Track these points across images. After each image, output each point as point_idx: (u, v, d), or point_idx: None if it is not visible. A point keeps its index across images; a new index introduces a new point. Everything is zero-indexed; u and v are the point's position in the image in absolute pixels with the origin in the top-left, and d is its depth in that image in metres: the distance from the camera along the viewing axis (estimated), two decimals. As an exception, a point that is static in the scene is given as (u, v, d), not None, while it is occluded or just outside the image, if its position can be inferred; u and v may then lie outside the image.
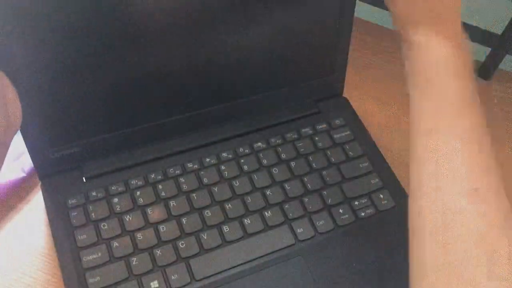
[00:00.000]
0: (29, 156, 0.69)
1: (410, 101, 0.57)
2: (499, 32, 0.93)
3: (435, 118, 0.54)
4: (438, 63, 0.56)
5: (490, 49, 0.96)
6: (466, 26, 0.95)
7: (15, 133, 0.58)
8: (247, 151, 0.76)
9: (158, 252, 0.65)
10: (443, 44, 0.56)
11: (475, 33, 0.97)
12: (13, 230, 0.71)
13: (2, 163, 0.56)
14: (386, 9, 0.99)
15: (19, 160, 0.75)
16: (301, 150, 0.77)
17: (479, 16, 1.00)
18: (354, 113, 0.83)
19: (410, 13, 0.58)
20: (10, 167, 0.74)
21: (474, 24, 0.97)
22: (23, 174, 0.74)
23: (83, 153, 0.71)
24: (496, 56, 0.94)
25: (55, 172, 0.71)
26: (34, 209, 0.73)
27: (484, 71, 0.97)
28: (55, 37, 0.59)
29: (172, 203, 0.69)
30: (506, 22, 0.90)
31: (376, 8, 1.02)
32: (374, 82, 0.94)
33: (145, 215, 0.68)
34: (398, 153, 0.83)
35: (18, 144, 0.72)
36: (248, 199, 0.71)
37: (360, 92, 0.91)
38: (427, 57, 0.56)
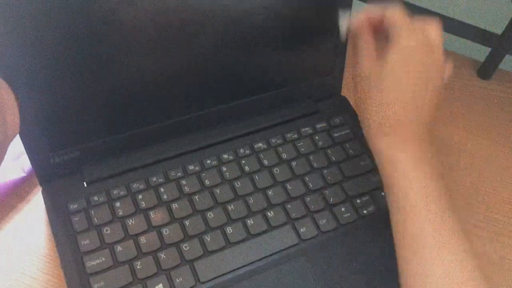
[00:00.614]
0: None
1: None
2: (499, 32, 0.94)
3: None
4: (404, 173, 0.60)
5: (490, 49, 0.97)
6: (466, 26, 0.95)
7: (12, 140, 0.58)
8: (247, 151, 0.76)
9: (162, 255, 0.65)
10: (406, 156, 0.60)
11: (475, 33, 0.98)
12: (13, 230, 0.72)
13: None
14: None
15: (19, 160, 0.75)
16: (302, 149, 0.77)
17: (479, 16, 1.01)
18: (353, 111, 0.84)
19: (378, 121, 0.62)
20: (10, 167, 0.74)
21: (474, 24, 0.97)
22: (23, 174, 0.74)
23: (83, 157, 0.71)
24: (496, 56, 0.95)
25: (56, 177, 0.71)
26: (34, 209, 0.74)
27: (484, 71, 0.98)
28: (54, 42, 0.59)
29: (174, 205, 0.69)
30: (506, 22, 0.90)
31: None
32: None
33: (147, 219, 0.68)
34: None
35: (18, 144, 0.72)
36: (250, 200, 0.71)
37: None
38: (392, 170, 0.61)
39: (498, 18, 0.96)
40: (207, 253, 0.66)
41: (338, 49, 0.79)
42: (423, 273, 0.56)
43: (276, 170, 0.74)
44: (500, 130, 0.90)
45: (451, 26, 0.99)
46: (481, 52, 0.99)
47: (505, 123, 0.91)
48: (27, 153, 0.67)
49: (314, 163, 0.76)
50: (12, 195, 0.74)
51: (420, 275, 0.56)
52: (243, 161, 0.75)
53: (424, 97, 0.61)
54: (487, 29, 0.96)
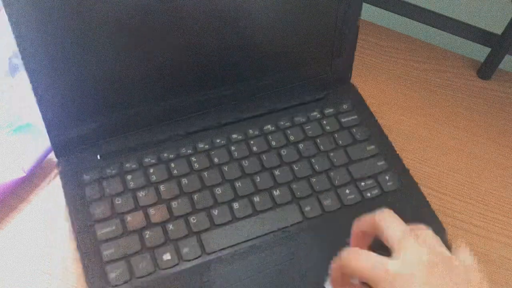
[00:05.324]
0: (45, 136, 0.77)
1: None
2: (499, 32, 1.01)
3: None
4: None
5: (490, 49, 1.03)
6: (466, 26, 1.04)
7: None
8: (256, 133, 0.85)
9: (170, 226, 0.73)
10: None
11: (475, 33, 1.04)
12: (13, 230, 0.78)
13: None
14: (386, 9, 1.08)
15: (19, 160, 0.81)
16: (309, 133, 0.86)
17: (479, 16, 1.09)
18: (361, 98, 0.93)
19: None
20: (10, 167, 0.80)
21: (474, 24, 1.04)
22: (23, 174, 0.80)
23: (98, 132, 0.80)
24: (496, 56, 1.01)
25: (71, 150, 0.79)
26: (34, 209, 0.80)
27: (484, 71, 1.05)
28: (73, 19, 0.68)
29: (184, 180, 0.78)
30: (506, 22, 0.98)
31: (376, 8, 1.11)
32: (374, 82, 1.03)
33: (158, 192, 0.77)
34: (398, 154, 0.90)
35: (18, 144, 0.82)
36: (257, 178, 0.79)
37: (359, 92, 0.98)
38: None
39: (498, 18, 1.03)
40: (213, 226, 0.74)
41: (348, 34, 0.88)
42: None
43: (283, 151, 0.83)
44: (500, 130, 0.98)
45: (451, 26, 1.06)
46: (481, 52, 1.05)
47: (505, 123, 0.99)
48: (45, 127, 0.75)
49: (321, 146, 0.85)
50: (12, 195, 0.80)
51: None
52: (251, 142, 0.83)
53: None
54: (487, 29, 1.03)
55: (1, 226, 0.78)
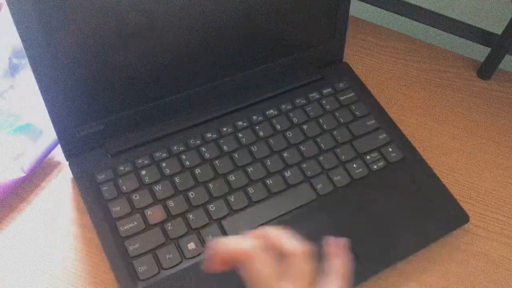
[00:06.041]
0: (51, 139, 0.86)
1: None
2: (499, 32, 1.09)
3: None
4: None
5: (490, 49, 1.12)
6: (466, 26, 1.13)
7: None
8: (260, 118, 0.96)
9: (191, 216, 0.83)
10: None
11: (475, 33, 1.13)
12: (13, 231, 0.85)
13: None
14: (386, 9, 1.17)
15: (19, 160, 0.88)
16: (311, 113, 0.98)
17: (479, 16, 1.18)
18: (356, 76, 1.05)
19: None
20: (10, 167, 0.86)
21: (474, 24, 1.13)
22: (23, 174, 0.87)
23: (106, 131, 0.88)
24: (496, 56, 1.11)
25: (81, 151, 0.88)
26: (34, 209, 0.87)
27: (484, 71, 1.14)
28: (79, 18, 0.75)
29: (197, 170, 0.88)
30: (506, 22, 1.06)
31: (376, 8, 1.20)
32: (374, 82, 1.12)
33: (173, 184, 0.86)
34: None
35: (17, 144, 0.89)
36: (268, 162, 0.90)
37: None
38: None
39: (498, 18, 1.12)
40: (232, 212, 0.84)
41: (339, 14, 1.00)
42: None
43: (289, 134, 0.95)
44: (500, 130, 1.07)
45: (451, 26, 1.15)
46: (481, 52, 1.14)
47: (505, 123, 1.08)
48: (54, 129, 0.83)
49: (324, 125, 0.96)
50: (12, 195, 0.87)
51: None
52: (257, 127, 0.95)
53: None
54: (487, 29, 1.12)
55: (1, 226, 0.85)
